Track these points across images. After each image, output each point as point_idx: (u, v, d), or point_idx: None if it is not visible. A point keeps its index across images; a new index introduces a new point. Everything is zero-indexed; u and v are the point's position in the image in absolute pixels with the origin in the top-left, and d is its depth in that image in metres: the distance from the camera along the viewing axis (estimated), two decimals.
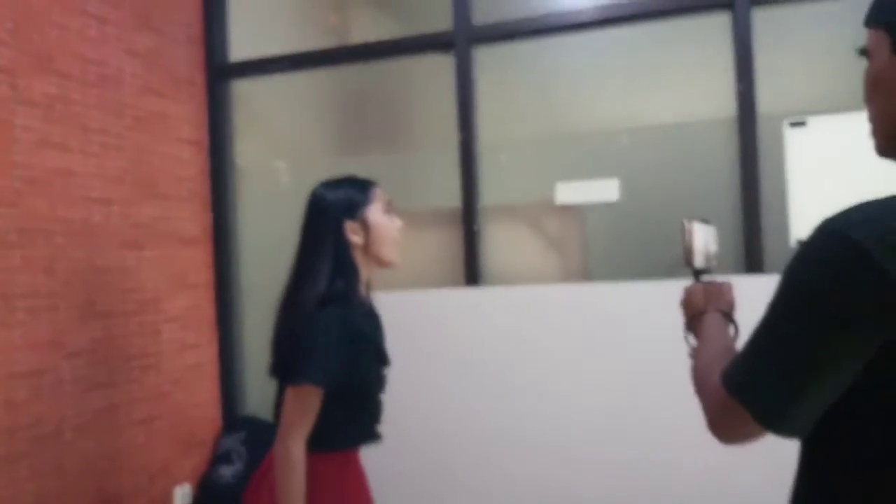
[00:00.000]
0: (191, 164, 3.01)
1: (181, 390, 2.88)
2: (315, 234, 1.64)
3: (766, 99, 2.43)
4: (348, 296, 1.58)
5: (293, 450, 1.51)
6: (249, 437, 2.97)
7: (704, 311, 1.14)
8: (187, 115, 3.01)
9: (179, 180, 2.94)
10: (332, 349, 1.52)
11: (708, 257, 1.28)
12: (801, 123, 2.36)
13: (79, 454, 2.38)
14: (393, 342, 2.71)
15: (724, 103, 2.47)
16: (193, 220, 3.01)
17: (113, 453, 2.52)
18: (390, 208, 1.70)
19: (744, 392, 0.83)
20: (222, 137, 3.13)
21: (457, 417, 2.66)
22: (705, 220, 1.28)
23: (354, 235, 1.62)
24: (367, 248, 1.64)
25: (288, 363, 1.57)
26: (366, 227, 1.63)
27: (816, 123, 2.34)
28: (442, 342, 2.69)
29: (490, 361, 2.63)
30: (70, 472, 2.35)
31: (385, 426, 2.65)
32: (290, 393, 1.54)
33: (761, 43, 2.44)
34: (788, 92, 2.44)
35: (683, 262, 1.23)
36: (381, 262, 1.68)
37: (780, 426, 0.81)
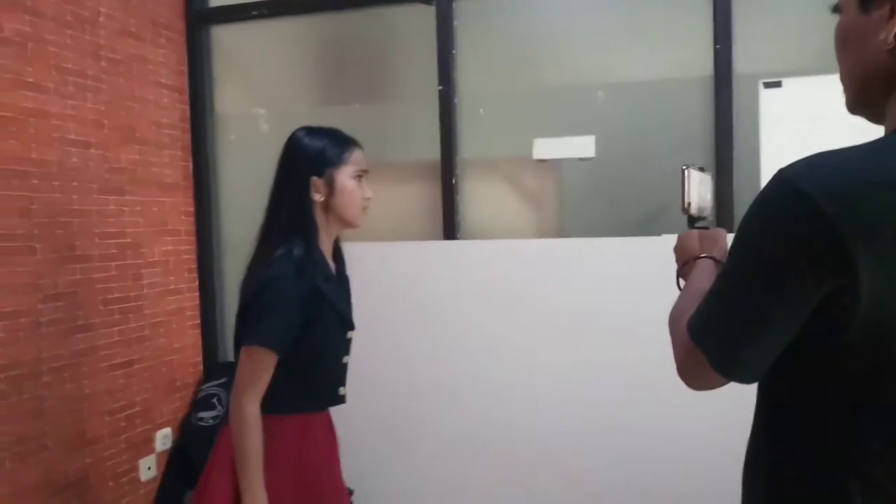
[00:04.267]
0: (170, 110, 2.99)
1: (162, 335, 2.91)
2: (284, 179, 1.62)
3: (743, 59, 2.44)
4: (308, 256, 1.55)
5: (246, 408, 1.51)
6: (230, 382, 3.00)
7: (697, 256, 1.13)
8: (166, 60, 2.97)
9: (159, 126, 2.92)
10: (286, 313, 1.51)
11: (703, 205, 1.26)
12: (776, 84, 2.38)
13: (58, 396, 2.40)
14: (371, 293, 2.76)
15: (700, 62, 2.48)
16: (173, 166, 3.00)
17: (93, 396, 2.55)
18: (363, 174, 1.65)
19: (700, 337, 0.85)
20: (202, 84, 3.10)
21: (433, 367, 2.71)
22: (702, 169, 1.27)
23: (317, 193, 1.59)
24: (327, 206, 1.61)
25: (244, 322, 1.56)
26: (330, 187, 1.60)
27: (791, 84, 2.35)
28: (420, 294, 2.73)
29: (466, 314, 2.67)
30: (49, 413, 2.37)
31: (364, 376, 2.72)
32: (243, 352, 1.53)
33: (740, 3, 2.43)
34: (764, 52, 2.44)
35: (681, 209, 1.21)
36: (342, 223, 1.65)
37: (732, 371, 0.83)
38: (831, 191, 0.72)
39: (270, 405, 1.55)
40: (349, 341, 1.71)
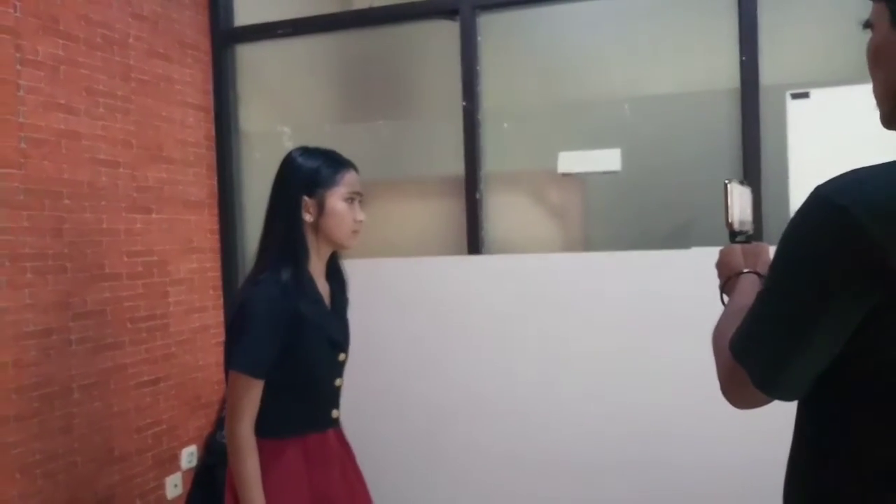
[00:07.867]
0: (196, 129, 3.02)
1: (187, 352, 2.92)
2: (277, 198, 1.62)
3: (769, 70, 2.43)
4: (294, 280, 1.54)
5: (236, 432, 1.50)
6: None
7: (740, 271, 1.11)
8: (192, 80, 3.01)
9: (185, 144, 2.95)
10: (260, 337, 1.49)
11: (744, 219, 1.24)
12: (803, 95, 2.36)
13: (87, 413, 2.42)
14: (395, 308, 2.77)
15: (726, 73, 2.46)
16: (199, 184, 3.03)
17: (121, 413, 2.56)
18: (356, 197, 1.64)
19: (742, 355, 0.84)
20: (227, 102, 3.13)
21: (459, 382, 2.70)
22: (743, 182, 1.25)
23: (307, 213, 1.59)
24: (317, 227, 1.60)
25: (227, 343, 1.56)
26: (320, 208, 1.59)
27: (818, 95, 2.34)
28: (444, 309, 2.72)
29: (491, 328, 2.66)
30: (78, 431, 2.38)
31: (389, 392, 2.71)
32: (230, 376, 1.52)
33: (766, 13, 2.42)
34: (791, 63, 2.42)
35: (724, 224, 1.19)
36: (332, 244, 1.65)
37: (773, 389, 0.82)
38: (870, 206, 0.72)
39: (266, 429, 1.54)
40: (342, 364, 1.68)
